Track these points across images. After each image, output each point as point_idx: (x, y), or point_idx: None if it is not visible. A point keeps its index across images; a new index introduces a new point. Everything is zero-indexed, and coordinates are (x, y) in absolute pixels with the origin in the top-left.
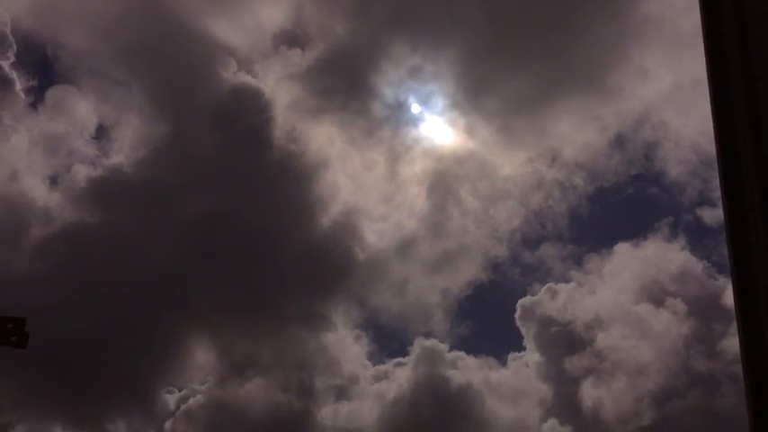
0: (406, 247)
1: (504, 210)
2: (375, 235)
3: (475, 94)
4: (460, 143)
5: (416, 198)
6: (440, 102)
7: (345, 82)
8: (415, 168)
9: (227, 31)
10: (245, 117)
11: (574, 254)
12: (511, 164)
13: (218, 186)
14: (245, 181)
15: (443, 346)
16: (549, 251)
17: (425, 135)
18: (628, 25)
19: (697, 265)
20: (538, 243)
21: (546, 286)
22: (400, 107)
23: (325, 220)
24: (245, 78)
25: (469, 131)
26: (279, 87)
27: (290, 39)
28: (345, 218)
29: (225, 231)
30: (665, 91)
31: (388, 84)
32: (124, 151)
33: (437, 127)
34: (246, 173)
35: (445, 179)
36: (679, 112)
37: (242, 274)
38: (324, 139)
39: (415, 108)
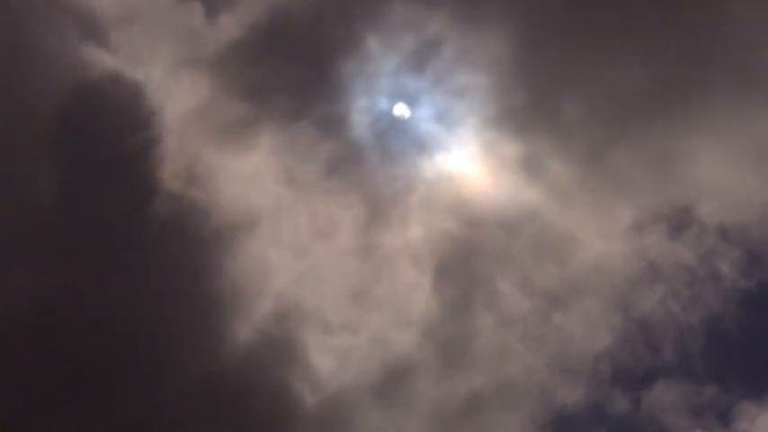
0: (392, 385)
1: (583, 317)
2: (334, 361)
3: (538, 102)
4: (505, 191)
5: (414, 291)
6: (469, 114)
7: (295, 73)
8: (411, 235)
9: None
10: (104, 136)
11: (713, 402)
12: (601, 233)
13: (49, 264)
14: (102, 255)
15: None
16: (665, 395)
17: (437, 174)
18: None
19: None
20: (646, 381)
21: None
22: (392, 122)
23: (245, 331)
24: (101, 59)
25: (525, 171)
26: (169, 81)
27: None
28: (281, 327)
29: (56, 347)
30: None
31: (374, 76)
32: None
33: (460, 160)
34: (105, 240)
35: (471, 258)
36: None
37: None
38: (247, 177)
39: (418, 122)
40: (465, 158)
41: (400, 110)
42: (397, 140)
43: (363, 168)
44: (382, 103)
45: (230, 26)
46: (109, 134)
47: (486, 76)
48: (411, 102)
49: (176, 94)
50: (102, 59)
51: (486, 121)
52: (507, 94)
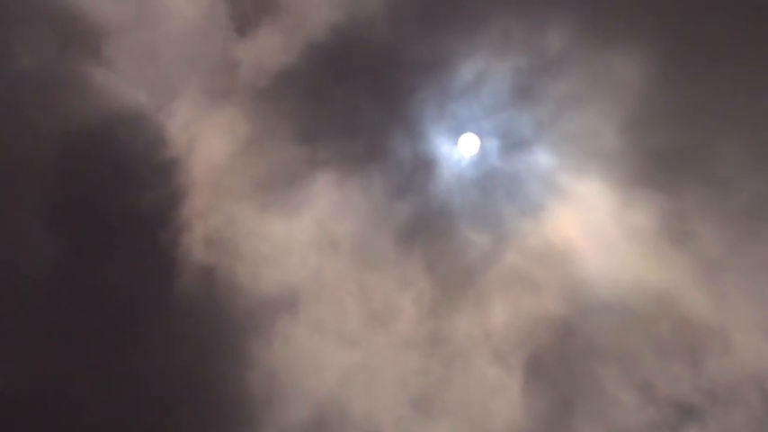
0: None
1: None
2: None
3: (685, 143)
4: (630, 265)
5: (496, 395)
6: (590, 161)
7: (361, 108)
8: (495, 322)
9: None
10: (112, 192)
11: None
12: (761, 324)
13: (44, 351)
14: (109, 340)
15: None
16: None
17: (540, 240)
18: None
19: None
20: None
21: None
22: (482, 170)
23: None
24: (107, 87)
25: (661, 237)
26: (196, 118)
27: None
28: None
29: None
30: None
31: (462, 111)
32: None
33: (572, 222)
34: (114, 322)
35: (575, 353)
36: None
37: None
38: (295, 243)
39: (519, 173)
40: (580, 221)
41: (467, 144)
42: (486, 195)
43: (435, 232)
44: (471, 146)
45: (276, 46)
46: (118, 189)
47: (614, 108)
48: (512, 145)
49: (206, 136)
50: (108, 87)
51: (612, 171)
52: (643, 132)
